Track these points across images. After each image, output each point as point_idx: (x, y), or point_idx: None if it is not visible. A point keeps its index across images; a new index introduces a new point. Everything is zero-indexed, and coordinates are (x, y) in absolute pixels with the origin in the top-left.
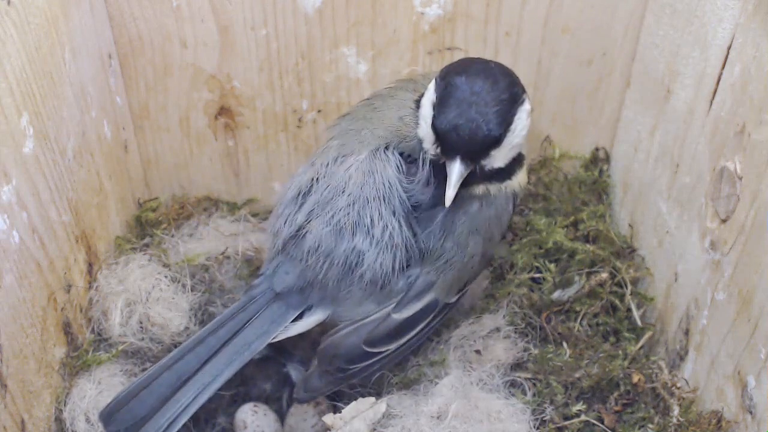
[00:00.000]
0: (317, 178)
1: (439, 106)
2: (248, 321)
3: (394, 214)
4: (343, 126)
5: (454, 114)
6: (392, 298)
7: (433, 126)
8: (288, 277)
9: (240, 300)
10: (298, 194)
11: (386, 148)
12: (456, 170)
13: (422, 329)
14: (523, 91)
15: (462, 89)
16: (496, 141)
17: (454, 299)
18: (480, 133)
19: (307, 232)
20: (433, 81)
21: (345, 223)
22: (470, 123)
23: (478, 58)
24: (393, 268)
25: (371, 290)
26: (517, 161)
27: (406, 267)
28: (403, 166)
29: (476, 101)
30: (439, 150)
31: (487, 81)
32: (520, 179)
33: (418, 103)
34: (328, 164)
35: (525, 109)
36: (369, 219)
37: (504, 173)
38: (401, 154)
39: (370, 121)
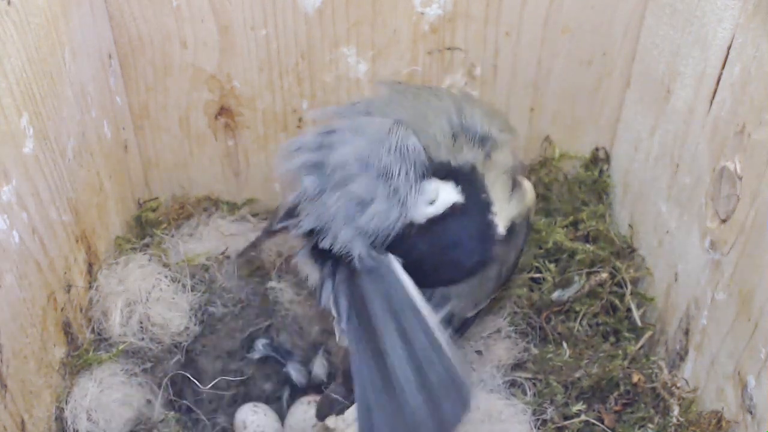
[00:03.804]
0: (340, 125)
1: None
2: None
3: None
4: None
5: None
6: None
7: None
8: (309, 218)
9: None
10: (318, 132)
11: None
12: None
13: None
14: None
15: None
16: None
17: (472, 314)
18: None
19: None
20: None
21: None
22: None
23: None
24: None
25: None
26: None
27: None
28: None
29: None
30: None
31: None
32: (524, 203)
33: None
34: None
35: None
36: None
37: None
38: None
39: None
